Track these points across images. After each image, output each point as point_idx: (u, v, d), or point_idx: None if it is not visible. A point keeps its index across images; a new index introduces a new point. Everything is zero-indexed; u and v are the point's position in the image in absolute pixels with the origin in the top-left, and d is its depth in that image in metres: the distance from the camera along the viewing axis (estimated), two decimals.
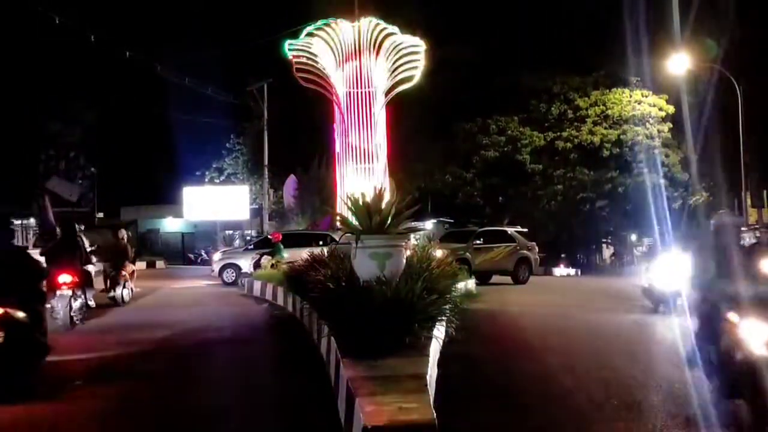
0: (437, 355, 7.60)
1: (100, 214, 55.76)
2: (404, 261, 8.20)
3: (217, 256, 24.44)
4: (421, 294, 7.28)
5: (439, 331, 8.15)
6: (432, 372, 6.45)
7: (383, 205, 8.24)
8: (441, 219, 38.68)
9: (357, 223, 8.22)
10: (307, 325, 10.64)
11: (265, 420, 6.39)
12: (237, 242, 42.42)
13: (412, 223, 9.98)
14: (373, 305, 6.84)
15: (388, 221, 8.17)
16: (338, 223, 10.00)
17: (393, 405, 4.62)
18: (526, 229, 25.60)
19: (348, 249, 9.17)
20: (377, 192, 8.55)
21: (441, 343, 8.11)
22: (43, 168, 50.03)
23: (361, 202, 8.24)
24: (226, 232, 42.69)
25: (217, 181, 43.21)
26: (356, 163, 14.03)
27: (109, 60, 29.42)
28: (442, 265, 9.64)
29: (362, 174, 13.71)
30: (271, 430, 6.19)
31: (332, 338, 7.24)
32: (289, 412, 6.65)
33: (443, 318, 8.17)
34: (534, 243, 24.02)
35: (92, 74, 41.51)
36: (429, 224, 34.61)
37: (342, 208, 12.10)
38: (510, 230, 24.68)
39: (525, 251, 23.27)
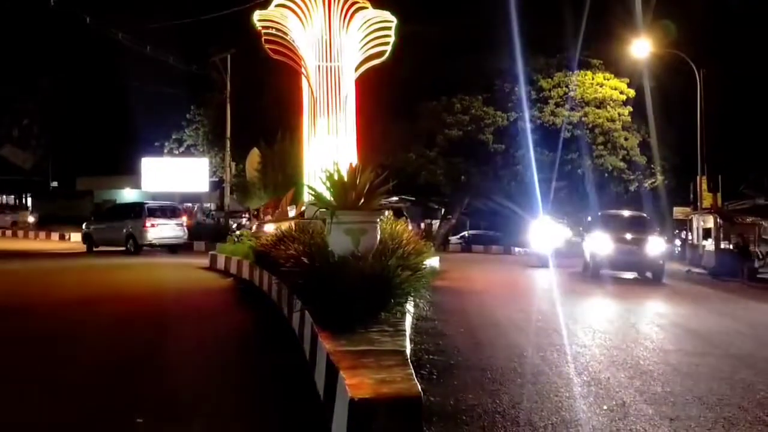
0: (410, 330, 7.69)
1: (55, 183, 54.49)
2: (378, 237, 8.25)
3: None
4: (395, 270, 7.35)
5: (411, 306, 8.25)
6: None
7: (358, 182, 8.25)
8: (403, 197, 38.72)
9: (332, 198, 8.22)
10: (276, 298, 10.63)
11: (240, 393, 6.41)
12: (199, 216, 42.01)
13: (384, 201, 10.03)
14: (349, 281, 6.89)
15: (363, 198, 8.19)
16: (309, 196, 9.99)
17: (376, 377, 4.68)
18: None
19: (313, 225, 9.26)
20: (352, 168, 8.53)
21: (413, 318, 8.21)
22: None
23: (336, 178, 8.23)
24: (185, 204, 42.16)
25: (176, 152, 42.49)
26: (325, 138, 14.01)
27: (68, 26, 28.58)
28: (412, 242, 9.72)
29: (331, 149, 13.71)
30: (246, 403, 6.21)
31: (306, 313, 7.26)
32: (264, 385, 6.68)
33: (415, 294, 8.28)
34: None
35: (50, 40, 40.35)
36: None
37: (311, 183, 12.08)
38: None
39: None
